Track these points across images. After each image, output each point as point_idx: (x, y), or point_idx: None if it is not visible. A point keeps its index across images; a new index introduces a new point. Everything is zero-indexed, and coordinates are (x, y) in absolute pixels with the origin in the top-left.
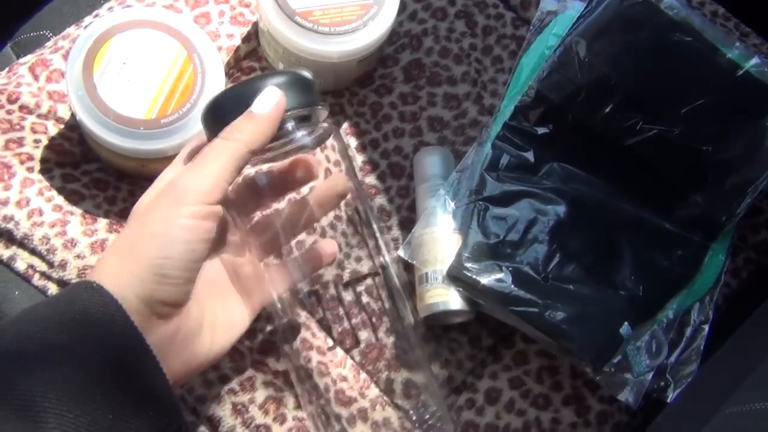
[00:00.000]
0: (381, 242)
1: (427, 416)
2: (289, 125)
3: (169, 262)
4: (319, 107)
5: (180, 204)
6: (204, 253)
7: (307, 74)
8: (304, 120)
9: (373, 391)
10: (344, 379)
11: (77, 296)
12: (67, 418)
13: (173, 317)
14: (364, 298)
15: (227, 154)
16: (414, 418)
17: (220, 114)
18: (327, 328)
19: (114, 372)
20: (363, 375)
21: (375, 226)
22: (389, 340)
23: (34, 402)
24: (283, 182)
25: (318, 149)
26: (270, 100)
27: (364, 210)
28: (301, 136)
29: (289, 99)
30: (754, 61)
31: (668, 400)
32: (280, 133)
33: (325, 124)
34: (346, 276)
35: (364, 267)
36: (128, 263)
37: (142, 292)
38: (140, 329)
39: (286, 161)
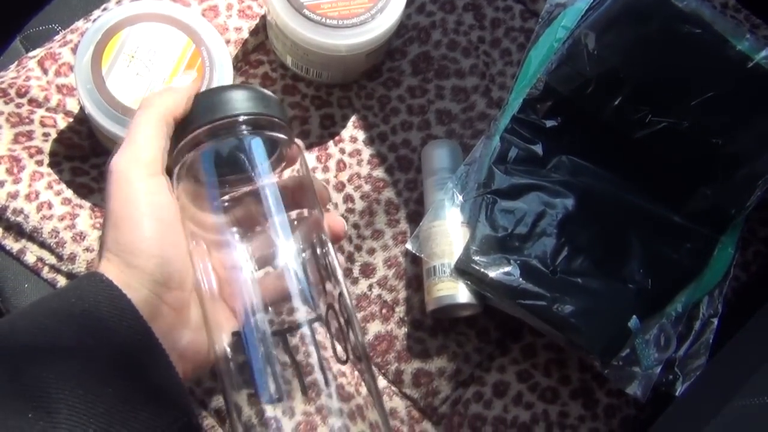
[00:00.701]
0: (339, 274)
1: None
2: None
3: (153, 242)
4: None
5: (131, 184)
6: (178, 224)
7: (269, 93)
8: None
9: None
10: (343, 374)
11: (87, 289)
12: (79, 409)
13: (181, 309)
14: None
15: (152, 120)
16: None
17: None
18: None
19: (125, 365)
20: (356, 372)
21: (335, 259)
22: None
23: (47, 393)
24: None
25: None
26: (187, 78)
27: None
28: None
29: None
30: (765, 52)
31: (676, 394)
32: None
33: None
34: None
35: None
36: (124, 254)
37: (143, 278)
38: (149, 319)
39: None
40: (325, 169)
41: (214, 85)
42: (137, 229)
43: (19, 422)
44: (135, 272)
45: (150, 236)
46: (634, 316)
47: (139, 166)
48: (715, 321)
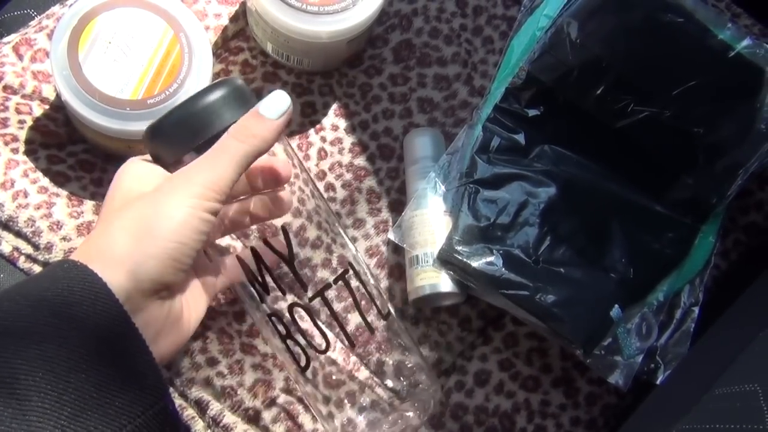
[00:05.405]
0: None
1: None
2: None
3: (185, 249)
4: None
5: (201, 198)
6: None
7: (241, 82)
8: None
9: (363, 373)
10: (333, 362)
11: (60, 274)
12: (50, 396)
13: (167, 299)
14: (353, 282)
15: (243, 157)
16: (404, 394)
17: (168, 138)
18: (316, 313)
19: (99, 350)
20: (353, 357)
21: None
22: (380, 324)
23: (17, 380)
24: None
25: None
26: (280, 106)
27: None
28: None
29: (231, 113)
30: (746, 42)
31: (658, 382)
32: None
33: None
34: (334, 260)
35: (349, 254)
36: (146, 243)
37: (155, 272)
38: (138, 308)
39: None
40: (306, 158)
41: (193, 73)
42: (183, 235)
43: None
44: (147, 262)
45: (186, 243)
46: (616, 306)
47: (213, 192)
48: (696, 310)
